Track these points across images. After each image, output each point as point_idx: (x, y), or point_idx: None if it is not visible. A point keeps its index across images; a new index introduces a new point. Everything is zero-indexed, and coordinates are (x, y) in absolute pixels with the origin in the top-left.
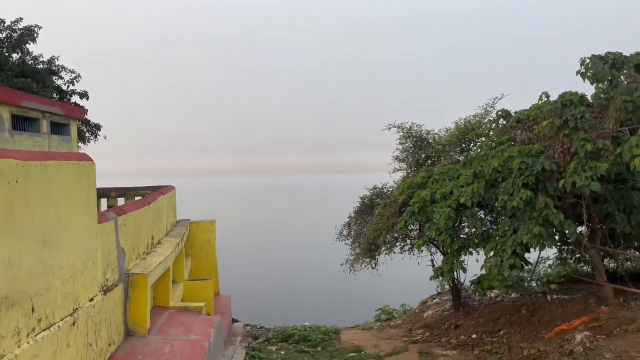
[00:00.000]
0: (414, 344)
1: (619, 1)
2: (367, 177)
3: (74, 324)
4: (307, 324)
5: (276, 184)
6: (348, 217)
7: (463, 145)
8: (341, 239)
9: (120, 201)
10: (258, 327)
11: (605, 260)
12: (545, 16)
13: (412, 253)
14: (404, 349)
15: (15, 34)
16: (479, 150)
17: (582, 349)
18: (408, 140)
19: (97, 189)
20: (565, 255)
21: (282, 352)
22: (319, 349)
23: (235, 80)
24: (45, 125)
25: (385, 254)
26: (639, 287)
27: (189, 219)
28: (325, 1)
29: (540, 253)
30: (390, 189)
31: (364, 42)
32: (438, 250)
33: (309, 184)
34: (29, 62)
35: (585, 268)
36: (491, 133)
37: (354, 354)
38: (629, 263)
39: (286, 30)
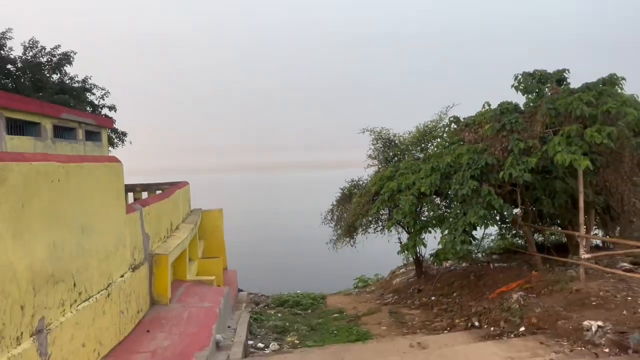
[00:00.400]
0: (386, 305)
1: None
2: (347, 172)
3: (108, 296)
4: (299, 291)
5: (275, 178)
6: (331, 205)
7: (422, 145)
8: (326, 222)
9: (144, 195)
10: (259, 295)
11: (535, 235)
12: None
13: (383, 233)
14: (378, 309)
15: (55, 58)
16: (435, 149)
17: (517, 306)
18: (379, 141)
19: (125, 185)
20: (504, 231)
21: (279, 315)
22: (309, 311)
23: (241, 89)
24: (81, 133)
25: (362, 234)
26: (561, 256)
27: (201, 209)
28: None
29: (484, 230)
30: (365, 181)
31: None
32: (404, 230)
33: (301, 178)
34: (67, 82)
35: (519, 241)
36: (445, 135)
37: (337, 315)
38: (553, 237)
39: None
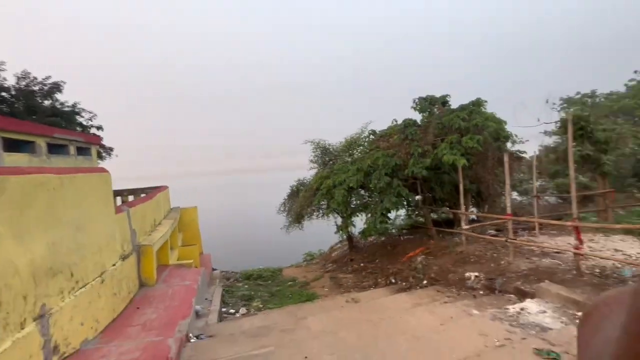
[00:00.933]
0: (327, 272)
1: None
2: (296, 173)
3: (102, 282)
4: (261, 267)
5: (249, 180)
6: (283, 199)
7: (350, 151)
8: (280, 212)
9: (131, 198)
10: (230, 272)
11: (432, 214)
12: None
13: (323, 218)
14: (321, 276)
15: (46, 87)
16: (359, 154)
17: (421, 266)
18: (317, 149)
19: (114, 190)
20: (410, 212)
21: (246, 286)
22: (269, 282)
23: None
24: (72, 149)
25: (308, 220)
26: (449, 228)
27: (179, 207)
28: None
29: (396, 212)
30: (308, 180)
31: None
32: (339, 215)
33: (268, 180)
34: (58, 107)
35: (421, 219)
36: (366, 144)
37: (291, 283)
38: (443, 214)
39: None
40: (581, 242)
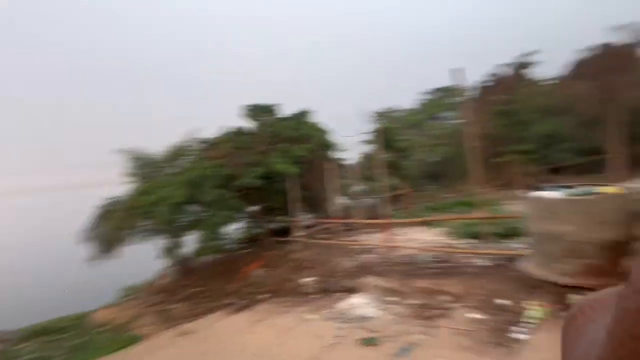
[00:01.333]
0: (153, 306)
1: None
2: (109, 189)
3: None
4: (57, 316)
5: (31, 202)
6: (89, 223)
7: (176, 161)
8: (85, 241)
9: None
10: (4, 331)
11: (269, 223)
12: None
13: (147, 241)
14: (145, 312)
15: None
16: (188, 164)
17: (259, 280)
18: (136, 160)
19: None
20: (247, 224)
21: (32, 347)
22: (71, 333)
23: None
24: None
25: (125, 245)
26: (287, 236)
27: None
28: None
29: (232, 226)
30: (125, 197)
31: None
32: (165, 236)
33: (56, 201)
34: None
35: (259, 230)
36: (193, 153)
37: (100, 329)
38: (281, 224)
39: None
40: (391, 236)
